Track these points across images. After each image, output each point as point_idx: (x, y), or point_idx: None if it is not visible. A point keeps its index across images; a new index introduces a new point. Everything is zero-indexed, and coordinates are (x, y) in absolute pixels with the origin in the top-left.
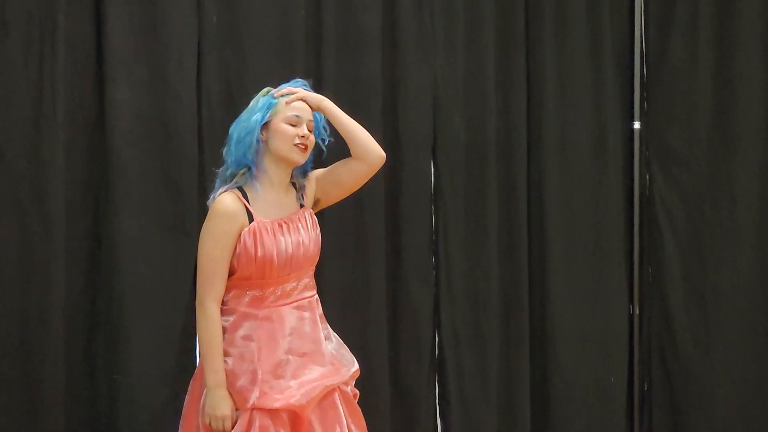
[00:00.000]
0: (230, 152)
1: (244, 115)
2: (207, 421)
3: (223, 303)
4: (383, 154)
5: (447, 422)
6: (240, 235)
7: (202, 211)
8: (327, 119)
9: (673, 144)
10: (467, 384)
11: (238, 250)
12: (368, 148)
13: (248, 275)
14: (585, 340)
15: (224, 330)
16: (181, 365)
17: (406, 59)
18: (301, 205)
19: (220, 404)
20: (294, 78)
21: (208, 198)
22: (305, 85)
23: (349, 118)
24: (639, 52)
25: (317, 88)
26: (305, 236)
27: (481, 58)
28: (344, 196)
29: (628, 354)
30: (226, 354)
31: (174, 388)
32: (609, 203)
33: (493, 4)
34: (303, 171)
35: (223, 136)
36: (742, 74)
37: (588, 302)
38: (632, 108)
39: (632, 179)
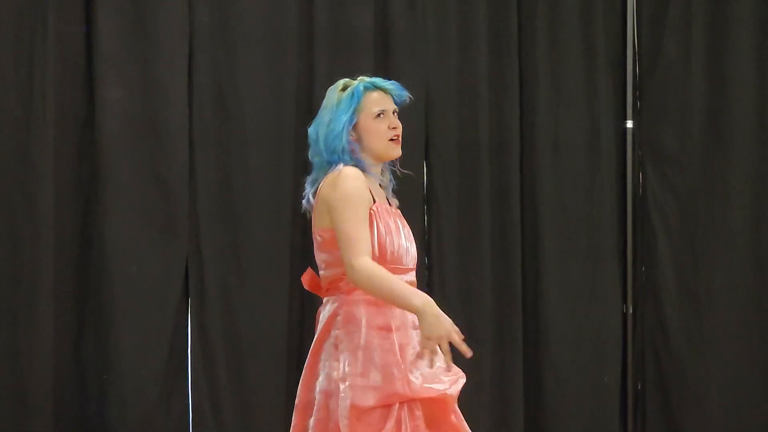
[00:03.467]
0: (320, 156)
1: (324, 116)
2: (428, 348)
3: (346, 292)
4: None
5: None
6: (370, 211)
7: (193, 211)
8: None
9: (666, 143)
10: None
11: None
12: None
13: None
14: (578, 339)
15: (354, 321)
16: (171, 365)
17: (398, 59)
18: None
19: (437, 322)
20: (286, 75)
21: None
22: (400, 87)
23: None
24: (632, 51)
25: (309, 88)
26: (409, 233)
27: (473, 58)
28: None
29: (622, 353)
30: (362, 347)
31: (164, 388)
32: (602, 203)
33: (485, 3)
34: (389, 168)
35: (214, 136)
36: (734, 73)
37: (581, 302)
38: (625, 107)
39: (625, 178)
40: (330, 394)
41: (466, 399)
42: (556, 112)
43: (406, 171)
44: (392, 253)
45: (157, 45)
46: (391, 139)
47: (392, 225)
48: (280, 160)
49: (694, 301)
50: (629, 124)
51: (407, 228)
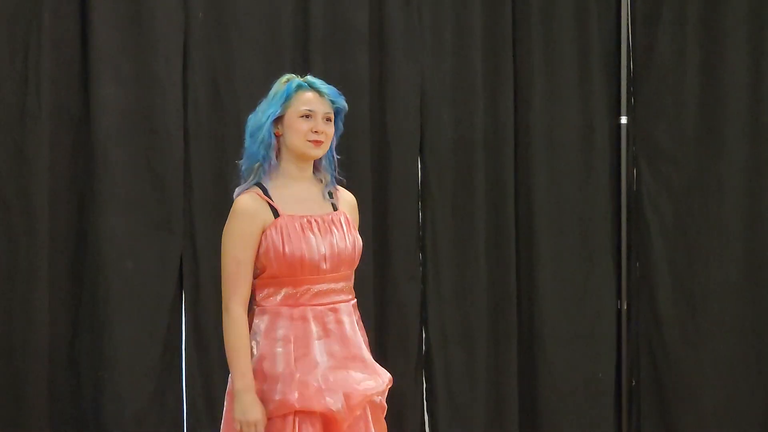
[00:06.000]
0: (245, 146)
1: (261, 105)
2: (238, 427)
3: (256, 303)
4: None
5: (435, 419)
6: (264, 232)
7: (188, 208)
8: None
9: (660, 139)
10: (455, 380)
11: (264, 247)
12: None
13: (277, 273)
14: (573, 336)
15: (259, 332)
16: (166, 362)
17: (393, 56)
18: (335, 208)
19: (251, 409)
20: (281, 72)
21: (231, 192)
22: (336, 94)
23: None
24: (626, 47)
25: None
26: (339, 237)
27: (468, 55)
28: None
29: (617, 350)
30: (261, 357)
31: (159, 385)
32: (596, 199)
33: (480, 1)
34: (331, 169)
35: (209, 132)
36: (729, 69)
37: (576, 298)
38: (619, 103)
39: (619, 175)
40: (231, 398)
41: (459, 394)
42: (551, 108)
43: (341, 178)
44: (292, 264)
45: (153, 41)
46: (310, 140)
47: (300, 234)
48: None
49: (688, 297)
50: (623, 120)
51: (341, 232)
